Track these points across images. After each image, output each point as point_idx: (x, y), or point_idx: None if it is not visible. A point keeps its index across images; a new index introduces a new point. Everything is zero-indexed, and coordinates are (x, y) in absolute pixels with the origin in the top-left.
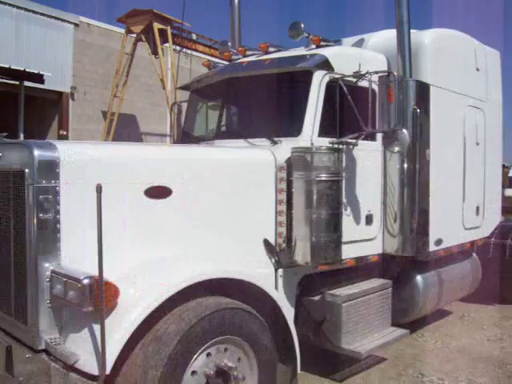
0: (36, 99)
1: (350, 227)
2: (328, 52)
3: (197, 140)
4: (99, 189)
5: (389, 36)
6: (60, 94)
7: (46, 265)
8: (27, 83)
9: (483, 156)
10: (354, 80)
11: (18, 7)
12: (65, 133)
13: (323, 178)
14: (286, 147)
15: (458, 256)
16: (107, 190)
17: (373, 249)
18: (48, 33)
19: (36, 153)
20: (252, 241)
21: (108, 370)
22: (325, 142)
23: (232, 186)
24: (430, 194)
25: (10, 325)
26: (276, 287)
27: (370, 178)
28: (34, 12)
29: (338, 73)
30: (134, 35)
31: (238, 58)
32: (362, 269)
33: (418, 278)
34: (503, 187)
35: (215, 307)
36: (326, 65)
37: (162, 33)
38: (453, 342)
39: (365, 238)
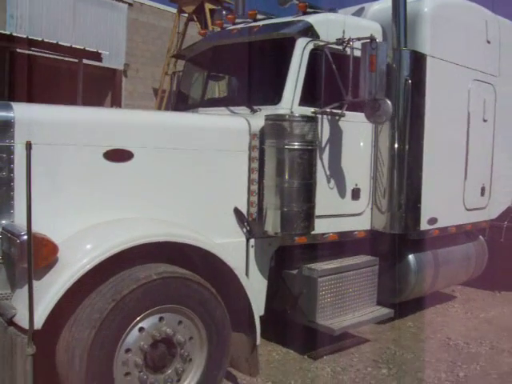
0: (91, 76)
1: (333, 200)
2: (313, 19)
3: (187, 108)
4: (28, 146)
5: (389, 5)
6: (113, 71)
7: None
8: (85, 61)
9: (492, 134)
10: (341, 48)
11: None
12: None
13: (295, 147)
14: (263, 115)
15: (460, 238)
16: (63, 150)
17: (360, 224)
18: (103, 12)
19: None
20: (222, 209)
21: (39, 325)
22: (307, 111)
23: (201, 153)
24: (423, 170)
25: None
26: (247, 257)
27: (359, 150)
28: None
29: (324, 40)
30: (186, 15)
31: (230, 26)
32: (348, 245)
33: (411, 257)
34: None
35: (146, 277)
36: (309, 31)
37: (213, 13)
38: (482, 314)
39: (350, 212)
